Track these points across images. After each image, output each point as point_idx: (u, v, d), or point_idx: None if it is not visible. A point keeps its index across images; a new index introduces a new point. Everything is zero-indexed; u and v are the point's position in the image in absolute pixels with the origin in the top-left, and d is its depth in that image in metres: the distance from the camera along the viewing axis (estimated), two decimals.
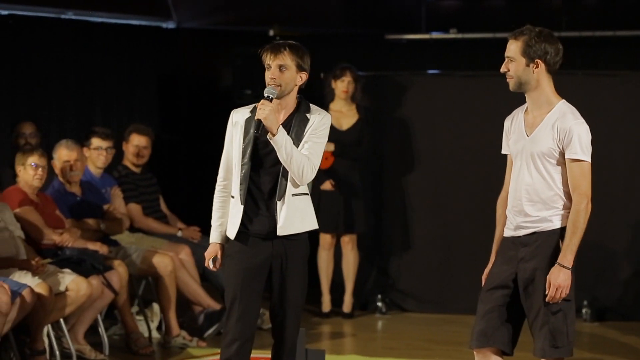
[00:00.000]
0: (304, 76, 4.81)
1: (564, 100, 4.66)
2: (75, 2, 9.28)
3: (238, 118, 4.87)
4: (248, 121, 4.83)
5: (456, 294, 8.43)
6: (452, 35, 9.53)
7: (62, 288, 6.51)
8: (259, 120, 4.68)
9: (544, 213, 4.60)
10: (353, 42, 9.82)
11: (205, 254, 4.99)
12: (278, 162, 4.76)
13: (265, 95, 4.73)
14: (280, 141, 4.68)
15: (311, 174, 4.77)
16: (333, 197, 8.25)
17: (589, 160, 4.55)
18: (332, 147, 8.16)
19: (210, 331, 7.47)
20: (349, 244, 8.43)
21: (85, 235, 7.13)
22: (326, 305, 8.46)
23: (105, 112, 9.53)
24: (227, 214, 4.90)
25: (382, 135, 8.68)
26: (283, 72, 4.75)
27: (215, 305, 7.53)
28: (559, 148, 4.56)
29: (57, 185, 7.29)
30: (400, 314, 8.64)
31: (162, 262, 7.33)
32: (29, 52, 8.92)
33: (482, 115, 8.26)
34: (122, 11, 9.68)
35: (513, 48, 4.63)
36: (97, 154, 7.64)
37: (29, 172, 6.84)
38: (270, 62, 4.76)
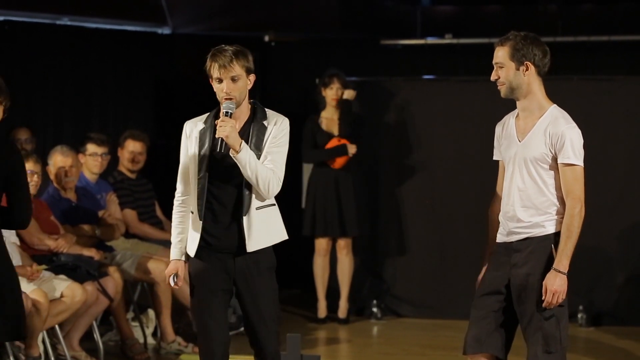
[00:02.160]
0: (252, 78, 4.65)
1: (555, 105, 4.65)
2: (71, 8, 9.28)
3: (192, 130, 4.71)
4: (202, 132, 4.67)
5: (452, 299, 8.43)
6: (448, 40, 9.54)
7: (57, 294, 6.50)
8: (221, 139, 4.51)
9: (536, 219, 4.59)
10: (348, 47, 9.82)
11: (166, 272, 4.84)
12: (238, 174, 4.59)
13: (224, 111, 4.56)
14: (244, 158, 4.51)
15: (277, 188, 4.63)
16: (327, 201, 8.25)
17: (582, 164, 4.55)
18: (354, 149, 8.20)
19: None
20: (344, 248, 8.42)
21: (80, 241, 7.11)
22: (322, 311, 8.45)
23: (101, 118, 9.52)
24: (187, 230, 4.77)
25: (377, 140, 8.68)
26: (236, 82, 4.59)
27: None
28: (552, 153, 4.56)
29: (52, 191, 7.28)
30: (395, 319, 8.64)
31: (158, 268, 7.31)
32: (25, 57, 8.92)
33: (477, 121, 8.26)
34: (118, 17, 9.68)
35: (501, 54, 4.63)
36: (92, 160, 7.63)
37: None
38: (221, 75, 4.58)
